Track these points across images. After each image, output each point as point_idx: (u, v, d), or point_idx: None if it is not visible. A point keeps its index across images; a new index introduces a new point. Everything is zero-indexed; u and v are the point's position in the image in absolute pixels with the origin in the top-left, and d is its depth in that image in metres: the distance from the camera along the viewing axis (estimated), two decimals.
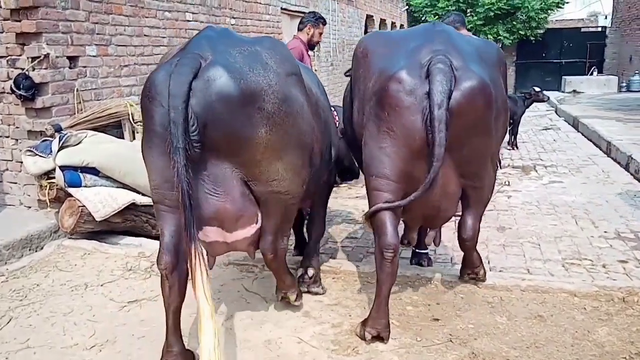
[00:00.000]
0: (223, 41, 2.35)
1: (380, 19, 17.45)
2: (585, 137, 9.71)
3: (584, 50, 21.80)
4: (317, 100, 2.92)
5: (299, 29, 5.04)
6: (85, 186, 4.18)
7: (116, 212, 4.18)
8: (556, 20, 25.56)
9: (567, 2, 22.76)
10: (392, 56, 2.60)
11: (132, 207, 4.31)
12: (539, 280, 3.30)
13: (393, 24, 19.62)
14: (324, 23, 5.19)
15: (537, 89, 8.68)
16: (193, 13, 6.31)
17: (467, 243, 2.90)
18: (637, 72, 16.88)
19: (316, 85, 3.08)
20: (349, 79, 3.24)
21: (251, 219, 2.43)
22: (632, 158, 6.94)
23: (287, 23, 9.39)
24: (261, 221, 2.47)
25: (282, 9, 8.98)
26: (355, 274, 3.48)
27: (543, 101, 9.03)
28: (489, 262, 3.99)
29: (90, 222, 4.13)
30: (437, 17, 22.31)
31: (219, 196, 2.29)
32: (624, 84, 16.64)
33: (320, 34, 5.04)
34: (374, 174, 2.58)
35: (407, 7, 22.03)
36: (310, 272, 3.21)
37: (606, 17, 28.30)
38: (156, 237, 3.31)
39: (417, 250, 3.77)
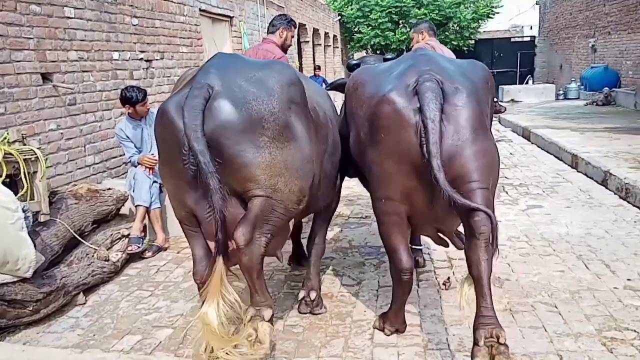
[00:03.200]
0: (231, 69, 2.49)
1: (314, 28, 16.39)
2: (542, 149, 8.95)
3: (514, 59, 21.86)
4: (323, 125, 2.95)
5: (270, 32, 4.67)
6: None
7: None
8: (484, 32, 25.77)
9: (497, 13, 22.85)
10: (379, 83, 2.70)
11: None
12: None
13: (326, 34, 18.64)
14: (295, 26, 4.87)
15: (494, 99, 7.76)
16: (76, 8, 4.80)
17: (482, 232, 2.39)
18: (573, 80, 16.81)
19: (326, 107, 3.15)
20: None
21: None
22: (610, 174, 6.09)
23: (207, 27, 7.99)
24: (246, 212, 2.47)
25: (201, 10, 7.58)
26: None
27: (499, 112, 8.16)
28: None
29: None
30: (369, 27, 21.67)
31: (236, 211, 2.47)
32: (561, 92, 16.46)
33: (292, 37, 4.76)
34: (382, 197, 2.68)
35: (339, 17, 21.18)
36: (313, 294, 3.30)
37: (531, 28, 28.98)
38: None
39: (412, 246, 3.49)
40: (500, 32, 27.83)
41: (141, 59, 5.90)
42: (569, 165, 7.48)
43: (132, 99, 4.66)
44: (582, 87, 16.07)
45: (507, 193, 6.10)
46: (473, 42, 22.52)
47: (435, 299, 3.46)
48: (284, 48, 4.66)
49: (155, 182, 4.70)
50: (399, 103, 2.48)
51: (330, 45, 19.61)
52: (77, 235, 4.03)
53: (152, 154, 4.75)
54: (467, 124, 2.45)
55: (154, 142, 4.92)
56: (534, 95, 16.48)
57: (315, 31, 16.84)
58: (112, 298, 3.78)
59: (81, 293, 3.76)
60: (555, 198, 5.77)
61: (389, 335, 2.97)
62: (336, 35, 20.88)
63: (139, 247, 4.40)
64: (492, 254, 2.46)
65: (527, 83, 18.35)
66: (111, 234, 4.45)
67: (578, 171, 7.05)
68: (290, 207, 2.57)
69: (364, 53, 22.06)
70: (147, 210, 4.63)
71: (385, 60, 4.16)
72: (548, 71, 22.22)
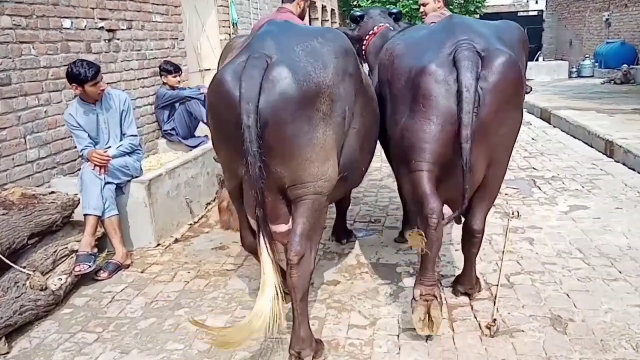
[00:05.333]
0: (286, 37, 2.36)
1: (311, 0, 15.21)
2: (567, 133, 7.99)
3: None
4: (371, 95, 2.89)
5: (287, 1, 4.12)
6: None
7: None
8: (488, 6, 24.55)
9: None
10: (418, 54, 2.65)
11: None
12: None
13: (324, 7, 17.46)
14: None
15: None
16: None
17: (476, 236, 2.81)
18: (587, 56, 15.74)
19: (369, 79, 3.01)
20: None
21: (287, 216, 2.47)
22: None
23: None
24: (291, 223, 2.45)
25: None
26: None
27: (525, 93, 7.15)
28: None
29: None
30: (370, 1, 20.46)
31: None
32: (574, 69, 15.41)
33: (308, 7, 4.42)
34: (414, 159, 2.60)
35: None
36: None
37: (537, 2, 27.73)
38: None
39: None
40: (505, 6, 26.57)
41: (101, 27, 4.86)
42: (602, 152, 6.54)
43: (79, 77, 3.65)
44: (597, 64, 15.03)
45: (540, 189, 5.15)
46: (478, 16, 21.34)
47: (479, 353, 2.54)
48: (301, 18, 4.22)
49: (109, 183, 3.72)
50: (440, 74, 2.48)
51: (327, 20, 18.45)
52: (3, 257, 3.08)
53: (105, 150, 3.76)
54: (504, 93, 2.48)
55: (112, 132, 3.93)
56: (546, 73, 15.39)
57: (312, 4, 15.69)
58: (46, 344, 2.84)
59: (3, 338, 2.82)
60: (600, 196, 4.83)
61: (419, 300, 2.62)
62: (334, 9, 19.69)
63: (89, 267, 3.45)
64: (480, 244, 2.88)
65: (536, 60, 17.25)
66: (55, 251, 3.49)
67: (616, 161, 6.11)
68: (328, 194, 2.45)
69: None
70: (100, 220, 3.66)
71: (390, 14, 4.03)
72: (556, 47, 21.11)
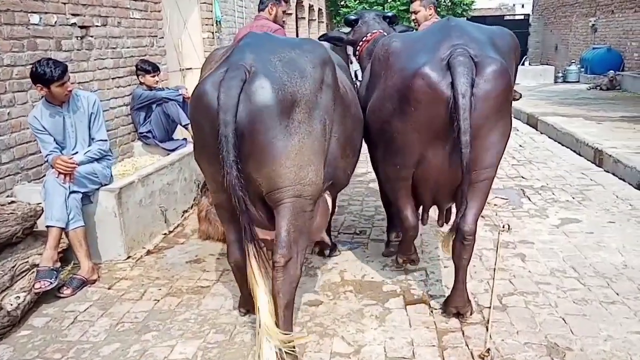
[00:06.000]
0: (265, 48, 2.41)
1: (297, 0, 15.00)
2: (554, 140, 7.88)
3: None
4: (350, 101, 2.94)
5: (260, 9, 4.51)
6: None
7: None
8: (474, 9, 24.57)
9: None
10: (413, 54, 2.66)
11: None
12: None
13: (311, 6, 17.24)
14: (287, 1, 4.76)
15: None
16: None
17: (467, 239, 2.72)
18: (573, 61, 15.74)
19: (348, 82, 3.15)
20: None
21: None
22: None
23: None
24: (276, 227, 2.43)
25: None
26: None
27: (514, 100, 7.02)
28: None
29: None
30: (357, 1, 20.28)
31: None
32: (560, 75, 15.39)
33: (284, 12, 4.63)
34: (398, 164, 2.77)
35: None
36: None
37: (523, 6, 27.87)
38: None
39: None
40: (492, 9, 26.65)
41: (73, 24, 4.58)
42: (591, 161, 6.42)
43: (44, 77, 3.38)
44: (583, 69, 15.03)
45: (529, 199, 5.00)
46: (465, 19, 21.30)
47: None
48: (276, 22, 4.45)
49: (74, 192, 3.45)
50: (433, 78, 2.48)
51: (315, 20, 18.23)
52: None
53: (71, 156, 3.49)
54: (495, 100, 2.49)
55: (80, 136, 3.67)
56: (532, 78, 15.35)
57: (299, 3, 15.46)
58: None
59: None
60: (591, 208, 4.69)
61: (400, 265, 3.46)
62: (321, 9, 19.47)
63: (50, 284, 3.18)
64: (471, 250, 2.78)
65: (523, 64, 17.22)
66: (14, 266, 3.22)
67: (605, 170, 5.99)
68: (312, 197, 2.45)
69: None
70: (65, 232, 3.40)
71: (385, 18, 4.04)
72: (542, 52, 21.15)
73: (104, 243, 3.73)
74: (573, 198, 5.00)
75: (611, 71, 12.87)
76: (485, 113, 2.47)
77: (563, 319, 2.84)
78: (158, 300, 3.20)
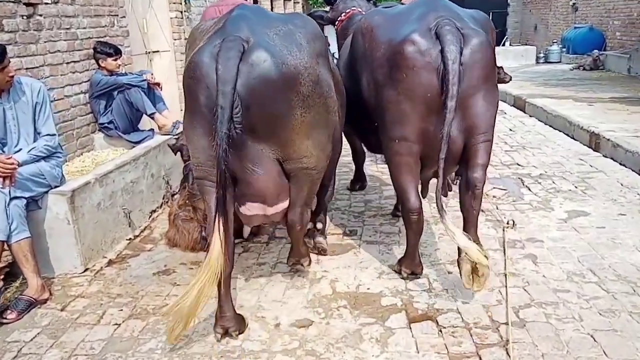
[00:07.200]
0: (259, 21, 2.41)
1: None
2: (545, 123, 7.55)
3: None
4: (339, 76, 3.06)
5: None
6: None
7: None
8: None
9: None
10: (399, 25, 2.73)
11: None
12: None
13: None
14: None
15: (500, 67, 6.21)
16: None
17: (477, 186, 2.73)
18: (554, 41, 15.47)
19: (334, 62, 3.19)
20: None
21: (287, 194, 2.58)
22: None
23: None
24: (291, 195, 2.59)
25: None
26: None
27: (504, 82, 6.68)
28: None
29: None
30: None
31: (261, 175, 2.43)
32: (542, 55, 15.11)
33: None
34: (397, 137, 2.75)
35: None
36: (319, 225, 3.47)
37: None
38: None
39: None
40: None
41: (18, 1, 3.98)
42: (587, 145, 6.10)
43: None
44: (564, 49, 14.78)
45: (529, 189, 4.63)
46: None
47: None
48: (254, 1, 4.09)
49: (16, 198, 2.92)
50: (423, 43, 2.56)
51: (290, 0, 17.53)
52: None
53: (10, 156, 2.95)
54: (483, 70, 2.59)
55: (24, 130, 3.13)
56: (513, 58, 15.00)
57: None
58: None
59: None
60: (597, 198, 4.34)
61: (405, 278, 3.05)
62: None
63: None
64: (481, 199, 2.78)
65: (503, 45, 16.90)
66: None
67: (604, 155, 5.67)
68: (322, 168, 2.64)
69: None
70: (7, 245, 2.87)
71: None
72: (521, 32, 20.84)
73: (57, 254, 3.22)
74: (576, 187, 4.64)
75: (595, 50, 12.63)
76: (474, 82, 2.56)
77: (592, 337, 2.47)
78: (119, 325, 2.71)
